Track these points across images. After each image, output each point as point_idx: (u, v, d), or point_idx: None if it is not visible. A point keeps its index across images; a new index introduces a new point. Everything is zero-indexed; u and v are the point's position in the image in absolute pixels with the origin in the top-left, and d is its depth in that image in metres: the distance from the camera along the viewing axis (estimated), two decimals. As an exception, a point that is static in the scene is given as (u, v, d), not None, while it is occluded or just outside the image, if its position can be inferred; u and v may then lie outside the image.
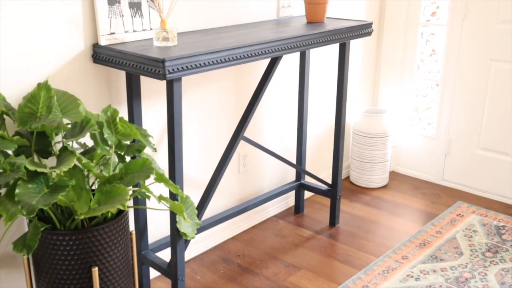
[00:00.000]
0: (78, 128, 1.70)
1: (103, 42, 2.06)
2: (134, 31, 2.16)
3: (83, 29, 2.05)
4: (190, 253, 2.74)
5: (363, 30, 2.72)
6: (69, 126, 1.84)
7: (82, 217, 1.58)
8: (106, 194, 1.62)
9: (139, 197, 1.92)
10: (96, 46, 2.08)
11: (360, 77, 3.60)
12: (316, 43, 2.45)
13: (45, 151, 1.78)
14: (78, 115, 1.77)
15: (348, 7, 3.31)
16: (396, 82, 3.65)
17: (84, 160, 1.62)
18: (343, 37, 2.61)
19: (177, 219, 1.99)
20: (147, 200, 2.01)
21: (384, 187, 3.60)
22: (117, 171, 1.88)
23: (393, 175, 3.77)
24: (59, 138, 1.95)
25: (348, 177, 3.74)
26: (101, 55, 2.07)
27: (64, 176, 1.59)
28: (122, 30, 2.12)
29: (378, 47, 3.66)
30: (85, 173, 1.74)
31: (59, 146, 1.92)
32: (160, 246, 2.49)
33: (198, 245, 2.78)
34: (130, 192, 2.00)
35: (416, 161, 3.72)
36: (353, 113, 3.62)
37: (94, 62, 2.10)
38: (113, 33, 2.09)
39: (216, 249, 2.85)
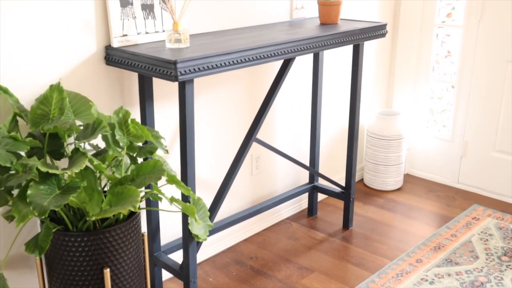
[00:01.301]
0: (90, 130, 1.71)
1: (115, 44, 2.07)
2: (146, 33, 2.16)
3: (96, 31, 2.05)
4: (202, 255, 2.73)
5: (377, 31, 2.70)
6: (82, 127, 1.84)
7: (94, 218, 1.58)
8: (117, 196, 1.62)
9: (151, 198, 1.92)
10: (108, 48, 2.09)
11: (374, 78, 3.57)
12: (329, 45, 2.44)
13: (57, 153, 1.79)
14: (90, 116, 1.78)
15: (362, 8, 3.28)
16: (411, 84, 3.61)
17: (96, 162, 1.62)
18: (357, 38, 2.59)
19: (189, 221, 1.99)
20: (159, 201, 2.01)
21: (398, 189, 3.57)
22: (128, 172, 1.88)
23: (408, 177, 3.73)
24: (71, 139, 1.96)
25: (362, 180, 3.72)
26: (114, 57, 2.08)
27: (75, 178, 1.59)
28: (134, 32, 2.12)
29: (393, 48, 3.63)
30: (97, 174, 1.75)
31: (72, 147, 1.92)
32: (173, 248, 2.49)
33: (211, 247, 2.77)
34: (142, 194, 2.00)
35: (431, 164, 3.68)
36: (367, 115, 3.60)
37: (107, 64, 2.11)
38: (126, 35, 2.10)
39: (228, 251, 2.84)
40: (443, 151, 3.61)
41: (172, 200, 1.82)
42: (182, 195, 2.04)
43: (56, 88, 1.73)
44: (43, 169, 1.52)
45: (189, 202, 1.98)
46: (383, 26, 2.73)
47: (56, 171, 1.53)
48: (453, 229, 3.04)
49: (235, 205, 2.86)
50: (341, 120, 3.40)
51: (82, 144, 1.69)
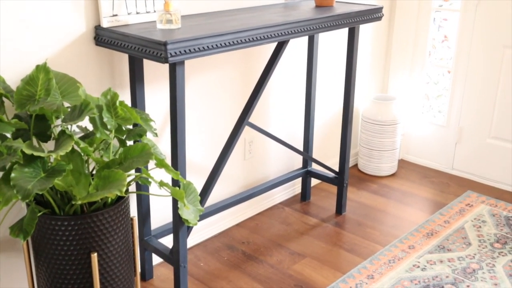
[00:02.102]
0: (77, 112, 1.67)
1: (105, 24, 2.02)
2: (137, 13, 2.11)
3: (85, 11, 2.00)
4: (193, 239, 2.71)
5: (373, 14, 2.65)
6: (69, 109, 1.80)
7: (79, 202, 1.55)
8: (104, 180, 1.59)
9: (139, 182, 1.89)
10: (98, 28, 2.04)
11: (370, 63, 3.53)
12: (324, 27, 2.39)
13: (44, 135, 1.75)
14: (78, 98, 1.74)
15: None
16: (407, 68, 3.57)
17: (82, 145, 1.59)
18: (353, 21, 2.54)
19: (178, 206, 1.96)
20: (149, 185, 1.98)
21: (392, 175, 3.55)
22: (117, 155, 1.84)
23: (402, 163, 3.71)
24: (59, 121, 1.92)
25: (356, 165, 3.69)
26: (103, 38, 2.03)
27: (61, 161, 1.56)
28: (125, 12, 2.07)
29: (389, 32, 3.58)
30: (84, 157, 1.71)
31: (59, 129, 1.88)
32: (163, 232, 2.46)
33: (202, 231, 2.75)
34: (131, 178, 1.97)
35: (425, 150, 3.66)
36: (362, 99, 3.56)
37: (96, 44, 2.06)
38: (116, 15, 2.04)
39: (220, 236, 2.82)
40: (438, 137, 3.58)
41: (161, 184, 1.79)
42: (173, 179, 2.01)
43: (42, 69, 1.69)
44: (28, 151, 1.49)
45: (179, 186, 1.95)
46: (379, 9, 2.69)
47: (41, 154, 1.49)
48: (446, 216, 3.03)
49: (227, 189, 2.83)
50: (335, 104, 3.36)
51: (69, 126, 1.65)
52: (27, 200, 1.43)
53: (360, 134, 3.55)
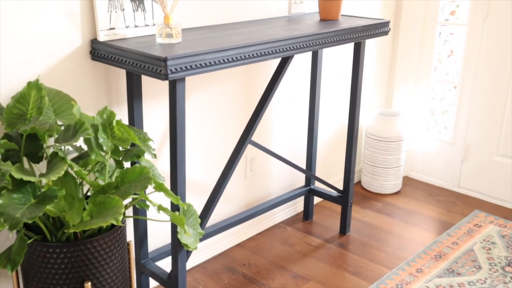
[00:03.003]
0: (71, 132, 1.56)
1: (102, 37, 1.92)
2: (135, 26, 2.01)
3: (81, 23, 1.90)
4: (192, 261, 2.60)
5: (379, 29, 2.57)
6: (63, 128, 1.70)
7: (72, 231, 1.44)
8: (99, 206, 1.48)
9: (137, 206, 1.78)
10: (94, 42, 1.94)
11: (373, 77, 3.44)
12: (330, 42, 2.30)
13: (35, 156, 1.65)
14: (72, 116, 1.63)
15: (362, 4, 3.14)
16: (412, 83, 3.48)
17: (76, 168, 1.48)
18: (359, 36, 2.45)
19: (178, 230, 1.85)
20: (148, 209, 1.87)
21: (397, 193, 3.45)
22: (113, 178, 1.74)
23: (406, 180, 3.61)
24: (52, 140, 1.81)
25: (359, 182, 3.59)
26: (100, 52, 1.93)
27: (53, 186, 1.45)
28: (122, 25, 1.97)
29: (394, 46, 3.50)
30: (78, 180, 1.60)
31: (52, 150, 1.78)
32: (161, 254, 2.35)
33: (201, 252, 2.64)
34: (128, 201, 1.86)
35: (430, 167, 3.56)
36: (365, 115, 3.46)
37: (92, 59, 1.96)
38: (113, 28, 1.95)
39: (220, 257, 2.70)
40: (444, 154, 3.48)
41: (160, 208, 1.68)
42: (171, 202, 1.90)
43: (34, 86, 1.58)
44: (17, 175, 1.38)
45: (178, 209, 1.84)
46: (386, 24, 2.60)
47: (31, 178, 1.38)
48: (454, 237, 2.92)
49: (227, 208, 2.72)
50: (338, 120, 3.27)
51: (62, 147, 1.54)
52: (14, 230, 1.32)
53: (364, 150, 3.45)
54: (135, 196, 1.78)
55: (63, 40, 1.87)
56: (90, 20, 1.92)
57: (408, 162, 3.63)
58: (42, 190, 1.48)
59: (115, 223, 1.38)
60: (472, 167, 3.38)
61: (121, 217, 1.40)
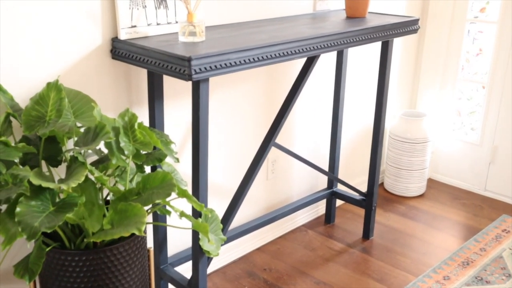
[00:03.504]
0: (92, 135, 1.49)
1: (123, 36, 1.85)
2: (157, 24, 1.94)
3: (101, 21, 1.83)
4: (212, 265, 2.53)
5: (408, 27, 2.47)
6: (83, 129, 1.63)
7: (92, 240, 1.37)
8: (120, 214, 1.41)
9: (158, 212, 1.71)
10: (115, 40, 1.87)
11: (398, 76, 3.33)
12: (358, 41, 2.21)
13: (54, 159, 1.58)
14: (92, 119, 1.56)
15: (388, 1, 3.04)
16: (438, 83, 3.38)
17: (97, 174, 1.41)
18: (387, 34, 2.35)
19: (200, 237, 1.78)
20: (169, 215, 1.80)
21: (421, 196, 3.35)
22: (134, 183, 1.67)
23: (430, 182, 3.51)
24: (71, 143, 1.75)
25: (381, 184, 3.49)
26: (121, 51, 1.86)
27: (73, 193, 1.38)
28: (144, 23, 1.90)
29: (419, 44, 3.39)
30: (98, 185, 1.54)
31: (72, 153, 1.71)
32: (181, 259, 2.28)
33: (221, 256, 2.57)
34: (148, 207, 1.79)
35: (456, 169, 3.45)
36: (389, 116, 3.36)
37: (113, 58, 1.89)
38: (135, 26, 1.87)
39: (240, 261, 2.63)
40: (470, 156, 3.37)
41: (182, 215, 1.61)
42: (193, 207, 1.83)
43: (54, 87, 1.52)
44: (36, 182, 1.31)
45: (200, 215, 1.77)
46: (416, 21, 2.50)
47: (50, 185, 1.32)
48: (482, 243, 2.82)
49: (248, 211, 2.65)
50: (362, 120, 3.17)
51: (82, 151, 1.48)
52: (33, 240, 1.26)
53: (388, 151, 3.35)
54: (157, 201, 1.71)
55: (83, 38, 1.80)
56: (111, 18, 1.85)
57: (433, 163, 3.53)
58: (61, 196, 1.41)
59: (137, 233, 1.31)
60: (500, 170, 3.27)
61: (143, 227, 1.33)
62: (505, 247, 2.77)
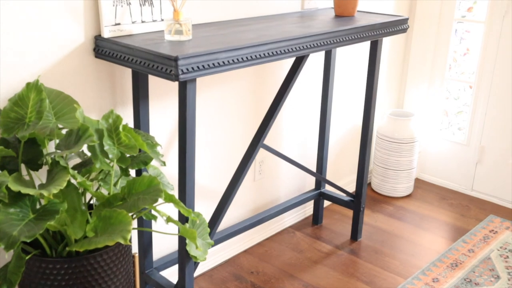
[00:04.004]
0: (74, 138, 1.43)
1: (106, 34, 1.78)
2: (142, 21, 1.88)
3: (84, 19, 1.76)
4: (198, 269, 2.47)
5: (398, 26, 2.43)
6: (65, 131, 1.56)
7: (74, 249, 1.31)
8: (104, 221, 1.35)
9: (144, 217, 1.65)
10: (98, 39, 1.80)
11: (385, 76, 3.30)
12: (348, 40, 2.16)
13: (35, 163, 1.51)
14: (75, 121, 1.50)
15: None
16: (425, 82, 3.35)
17: (80, 179, 1.35)
18: (377, 33, 2.32)
19: (187, 241, 1.72)
20: (155, 220, 1.74)
21: (408, 196, 3.32)
22: (118, 187, 1.60)
23: (418, 182, 3.49)
24: (52, 145, 1.68)
25: (369, 184, 3.46)
26: (104, 49, 1.79)
27: (54, 199, 1.32)
28: (129, 20, 1.83)
29: (407, 44, 3.36)
30: (81, 190, 1.47)
31: (53, 156, 1.64)
32: (167, 263, 2.22)
33: (208, 259, 2.51)
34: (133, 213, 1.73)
35: (443, 169, 3.44)
36: (377, 115, 3.33)
37: (96, 57, 1.82)
38: (119, 24, 1.81)
39: (227, 264, 2.58)
40: (457, 156, 3.36)
41: (169, 220, 1.55)
42: (179, 212, 1.77)
43: (34, 87, 1.45)
44: (15, 187, 1.25)
45: (187, 220, 1.71)
46: (405, 21, 2.46)
47: (30, 191, 1.25)
48: (470, 243, 2.80)
49: (235, 213, 2.59)
50: (350, 120, 3.14)
51: (64, 154, 1.41)
52: (11, 250, 1.19)
53: (375, 152, 3.32)
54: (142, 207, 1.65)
55: (64, 36, 1.73)
56: (93, 15, 1.79)
57: (420, 163, 3.51)
58: (42, 202, 1.35)
59: (122, 242, 1.25)
60: (487, 170, 3.26)
61: (129, 235, 1.27)
62: (493, 248, 2.75)
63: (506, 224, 3.00)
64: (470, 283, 2.47)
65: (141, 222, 2.01)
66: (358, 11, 2.57)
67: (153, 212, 1.70)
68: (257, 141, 2.21)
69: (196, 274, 2.46)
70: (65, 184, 1.27)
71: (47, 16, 1.67)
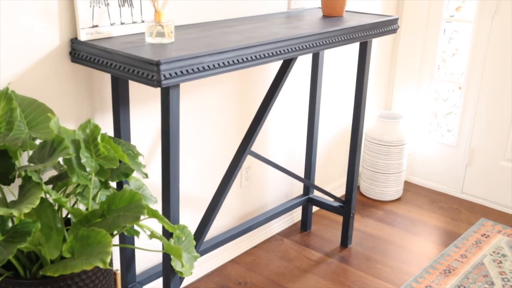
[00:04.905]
0: (48, 150, 1.32)
1: (83, 36, 1.67)
2: (122, 23, 1.77)
3: (58, 20, 1.65)
4: (184, 280, 2.36)
5: (388, 26, 2.35)
6: (39, 142, 1.45)
7: (48, 274, 1.20)
8: (82, 241, 1.24)
9: (125, 233, 1.54)
10: (74, 42, 1.69)
11: (373, 77, 3.23)
12: (337, 42, 2.08)
13: (5, 177, 1.40)
14: (49, 131, 1.39)
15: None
16: (413, 83, 3.29)
17: (54, 196, 1.24)
18: (367, 34, 2.24)
19: (172, 257, 1.62)
20: (138, 236, 1.63)
21: (397, 199, 3.25)
22: (98, 200, 1.50)
23: (407, 185, 3.42)
24: (25, 156, 1.57)
25: (358, 187, 3.38)
26: (81, 53, 1.68)
27: (26, 218, 1.21)
28: (107, 22, 1.73)
29: (394, 44, 3.29)
30: (56, 207, 1.36)
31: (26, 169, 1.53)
32: (150, 277, 2.12)
33: (194, 270, 2.40)
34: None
35: (432, 171, 3.37)
36: (365, 117, 3.26)
37: (72, 61, 1.71)
38: (96, 26, 1.70)
39: (213, 275, 2.48)
40: (447, 158, 3.30)
41: (152, 236, 1.45)
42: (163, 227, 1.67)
43: (3, 96, 1.34)
44: (-18, 207, 1.13)
45: (172, 235, 1.61)
46: (395, 21, 2.39)
47: (-1, 211, 1.14)
48: (462, 248, 2.74)
49: (221, 221, 2.49)
50: (338, 123, 3.06)
51: (37, 170, 1.30)
52: (-22, 277, 1.08)
53: (363, 155, 3.25)
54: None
55: (37, 39, 1.62)
56: (69, 16, 1.67)
57: (409, 166, 3.44)
58: (13, 223, 1.23)
59: (101, 266, 1.15)
60: (477, 172, 3.20)
61: (108, 258, 1.16)
62: (486, 253, 2.69)
63: (497, 227, 2.94)
64: (464, 290, 2.41)
65: (123, 236, 1.91)
66: (346, 11, 2.49)
67: (135, 227, 1.59)
68: (244, 147, 2.11)
69: (181, 286, 2.36)
70: (37, 202, 1.16)
71: (18, 17, 1.56)
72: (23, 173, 1.40)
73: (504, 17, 2.92)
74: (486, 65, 3.02)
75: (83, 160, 1.34)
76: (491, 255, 2.68)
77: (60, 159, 1.59)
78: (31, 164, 1.32)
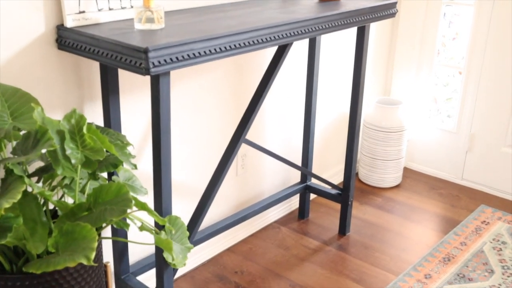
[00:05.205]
0: (32, 141, 1.27)
1: (69, 23, 1.62)
2: (110, 9, 1.71)
3: (43, 5, 1.59)
4: (178, 270, 2.33)
5: (386, 10, 2.29)
6: (23, 134, 1.41)
7: (31, 270, 1.16)
8: (66, 236, 1.20)
9: (114, 226, 1.51)
10: (61, 28, 1.64)
11: (371, 62, 3.17)
12: (334, 26, 2.02)
13: (-11, 169, 1.36)
14: (32, 121, 1.34)
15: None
16: (413, 68, 3.23)
17: (37, 189, 1.19)
18: (365, 19, 2.17)
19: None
20: (128, 229, 1.59)
21: (397, 186, 3.21)
22: (86, 191, 1.45)
23: (406, 172, 3.38)
24: (10, 147, 1.52)
25: (356, 174, 3.34)
26: (68, 40, 1.62)
27: (8, 213, 1.17)
28: (94, 8, 1.67)
29: (393, 28, 3.23)
30: (41, 200, 1.32)
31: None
32: (144, 267, 2.08)
33: (189, 259, 2.37)
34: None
35: (432, 157, 3.33)
36: (363, 103, 3.20)
37: (59, 48, 1.66)
38: (83, 12, 1.64)
39: (209, 264, 2.45)
40: (447, 144, 3.25)
41: (142, 228, 1.41)
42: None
43: (-16, 85, 1.28)
44: (-39, 202, 1.09)
45: (163, 227, 1.57)
46: (393, 5, 2.33)
47: (-22, 206, 1.10)
48: (461, 236, 2.70)
49: (217, 210, 2.46)
50: (335, 109, 3.00)
51: (20, 162, 1.26)
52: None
53: (362, 141, 3.20)
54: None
55: (21, 26, 1.56)
56: (55, 2, 1.62)
57: (408, 152, 3.39)
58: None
59: (85, 262, 1.11)
60: (477, 159, 3.16)
61: (93, 254, 1.12)
62: (486, 240, 2.66)
63: (497, 214, 2.90)
64: (464, 278, 2.38)
65: (114, 232, 1.87)
66: (343, -6, 2.42)
67: (126, 218, 1.55)
68: (238, 135, 2.06)
69: (176, 276, 2.33)
70: (19, 196, 1.12)
71: (1, 4, 1.50)
72: (6, 165, 1.35)
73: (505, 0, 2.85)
74: (487, 50, 2.96)
75: (68, 152, 1.29)
76: (491, 242, 2.65)
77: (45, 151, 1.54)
78: (14, 156, 1.27)
